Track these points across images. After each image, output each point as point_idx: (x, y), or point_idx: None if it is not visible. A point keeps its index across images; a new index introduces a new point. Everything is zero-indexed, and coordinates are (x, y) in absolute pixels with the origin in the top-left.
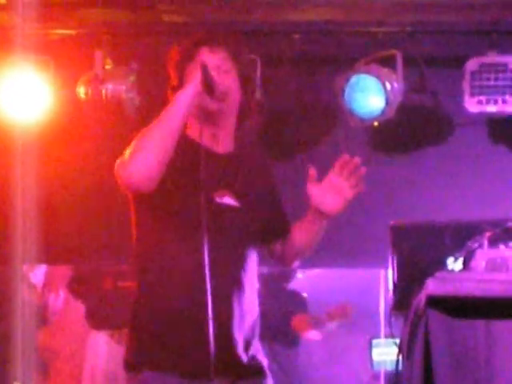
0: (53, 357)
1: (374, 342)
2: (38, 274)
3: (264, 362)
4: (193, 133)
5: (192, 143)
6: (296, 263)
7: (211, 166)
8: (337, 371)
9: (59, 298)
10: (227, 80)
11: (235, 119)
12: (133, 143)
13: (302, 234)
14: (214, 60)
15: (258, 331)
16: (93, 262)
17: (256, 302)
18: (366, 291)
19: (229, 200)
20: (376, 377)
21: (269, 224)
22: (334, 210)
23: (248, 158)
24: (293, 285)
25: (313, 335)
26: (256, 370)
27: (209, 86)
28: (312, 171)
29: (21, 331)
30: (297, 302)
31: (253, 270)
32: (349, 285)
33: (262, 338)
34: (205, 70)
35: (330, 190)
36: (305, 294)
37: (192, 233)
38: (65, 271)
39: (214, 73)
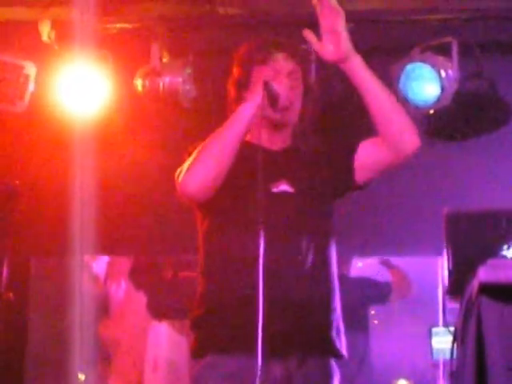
0: (115, 347)
1: (434, 330)
2: (100, 264)
3: (342, 349)
4: (250, 135)
5: (250, 144)
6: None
7: (267, 163)
8: (396, 359)
9: (121, 289)
10: (292, 92)
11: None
12: (193, 154)
13: (362, 93)
14: (288, 67)
15: (333, 317)
16: (153, 253)
17: (329, 282)
18: (424, 279)
19: (285, 187)
20: (435, 365)
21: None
22: (339, 54)
23: (304, 150)
24: (353, 272)
25: None
26: (330, 353)
27: (272, 99)
28: (306, 33)
29: (82, 322)
30: (360, 288)
31: (321, 249)
32: (408, 273)
33: None
34: (267, 83)
35: (326, 35)
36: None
37: (253, 225)
38: (126, 262)
39: (277, 86)
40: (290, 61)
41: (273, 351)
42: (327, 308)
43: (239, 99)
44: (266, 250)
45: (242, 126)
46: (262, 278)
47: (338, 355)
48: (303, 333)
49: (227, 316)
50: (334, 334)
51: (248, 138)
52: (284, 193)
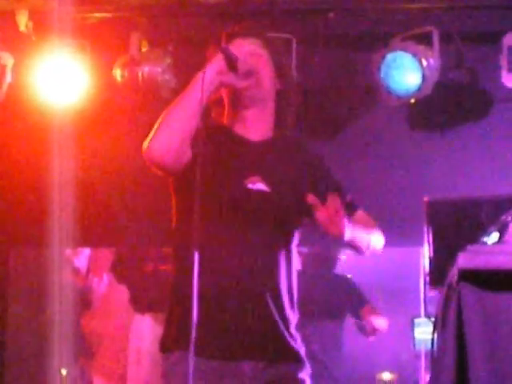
0: (97, 340)
1: (416, 321)
2: (82, 258)
3: (301, 349)
4: (228, 122)
5: (226, 131)
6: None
7: (244, 153)
8: (379, 351)
9: (103, 282)
10: (254, 60)
11: (273, 107)
12: (157, 121)
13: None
14: (246, 47)
15: (294, 317)
16: (134, 246)
17: (294, 285)
18: (406, 270)
19: (261, 186)
20: (417, 356)
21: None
22: (338, 233)
23: (285, 144)
24: (337, 266)
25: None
26: (291, 356)
27: (230, 62)
28: (311, 199)
29: (63, 316)
30: (342, 282)
31: (290, 253)
32: (389, 263)
33: (307, 317)
34: (225, 48)
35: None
36: (349, 275)
37: (223, 217)
38: (108, 255)
39: (234, 50)
40: (250, 41)
41: (240, 353)
42: (287, 311)
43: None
44: (236, 247)
45: (201, 90)
46: (244, 277)
47: (295, 360)
48: (261, 336)
49: (200, 315)
50: (290, 338)
51: (228, 125)
52: (259, 192)
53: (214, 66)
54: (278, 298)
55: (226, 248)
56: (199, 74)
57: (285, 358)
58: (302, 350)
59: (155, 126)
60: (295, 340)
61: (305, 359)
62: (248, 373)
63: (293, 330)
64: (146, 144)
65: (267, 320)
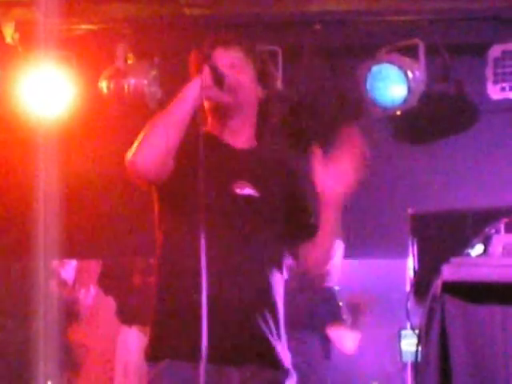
0: (84, 352)
1: (403, 332)
2: (69, 269)
3: (288, 357)
4: (213, 130)
5: (211, 139)
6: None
7: (231, 160)
8: (363, 362)
9: (90, 294)
10: (238, 74)
11: (255, 115)
12: (141, 133)
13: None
14: (228, 59)
15: (279, 324)
16: (122, 257)
17: (281, 292)
18: (392, 281)
19: (249, 191)
20: (404, 367)
21: (293, 223)
22: (333, 194)
23: (269, 153)
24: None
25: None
26: (278, 364)
27: (217, 78)
28: (316, 149)
29: (50, 328)
30: (327, 293)
31: (277, 259)
32: (376, 275)
33: (290, 330)
34: (211, 63)
35: (334, 166)
36: (336, 287)
37: (211, 223)
38: (95, 267)
39: (223, 67)
40: (232, 52)
41: (228, 359)
42: (275, 320)
43: None
44: (223, 253)
45: (186, 105)
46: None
47: (282, 369)
48: (249, 343)
49: (180, 320)
50: (278, 347)
51: (212, 132)
52: (248, 196)
53: (200, 81)
54: (268, 306)
55: (215, 253)
56: (184, 88)
57: (271, 366)
58: (289, 359)
59: (138, 139)
60: (282, 347)
61: (291, 368)
62: (235, 379)
63: (281, 336)
64: (128, 156)
65: (254, 327)
